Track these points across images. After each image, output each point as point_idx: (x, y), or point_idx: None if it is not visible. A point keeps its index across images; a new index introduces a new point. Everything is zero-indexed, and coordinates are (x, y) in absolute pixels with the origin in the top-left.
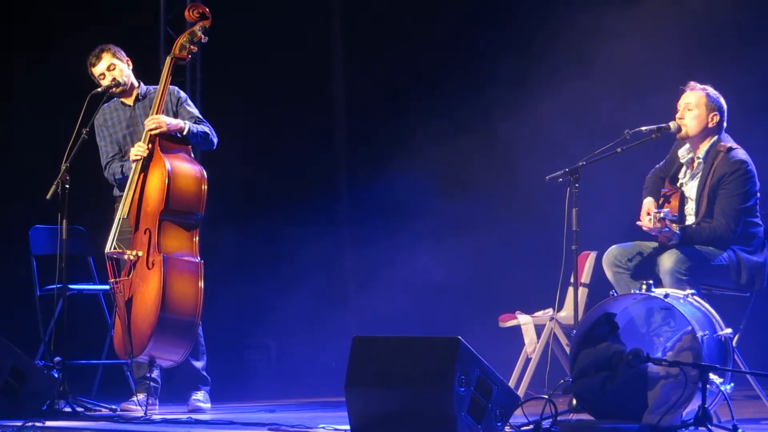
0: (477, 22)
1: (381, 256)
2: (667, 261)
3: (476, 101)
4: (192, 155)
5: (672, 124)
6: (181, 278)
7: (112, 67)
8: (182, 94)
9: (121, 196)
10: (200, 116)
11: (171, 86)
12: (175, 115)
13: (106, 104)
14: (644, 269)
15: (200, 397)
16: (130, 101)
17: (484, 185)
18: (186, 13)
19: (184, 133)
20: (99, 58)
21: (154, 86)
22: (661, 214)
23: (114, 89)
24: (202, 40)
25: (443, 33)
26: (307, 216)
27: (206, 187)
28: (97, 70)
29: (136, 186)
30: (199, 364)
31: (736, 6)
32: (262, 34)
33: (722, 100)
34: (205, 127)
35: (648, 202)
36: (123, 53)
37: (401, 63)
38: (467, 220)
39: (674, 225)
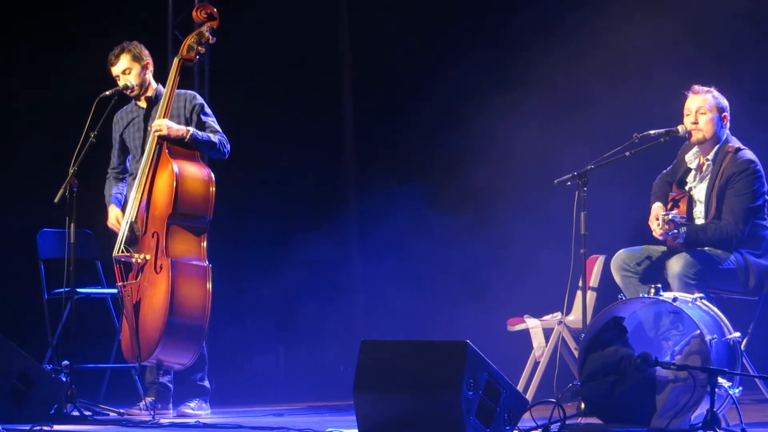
0: (479, 27)
1: (389, 259)
2: (675, 265)
3: (481, 107)
4: (201, 159)
5: (680, 128)
6: (189, 282)
7: (128, 72)
8: (199, 100)
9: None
10: (216, 125)
11: (190, 92)
12: (188, 120)
13: (124, 108)
14: (652, 273)
15: (192, 405)
16: (143, 104)
17: (491, 189)
18: (194, 13)
19: (186, 139)
20: (117, 58)
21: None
22: (670, 216)
23: (129, 92)
24: (210, 41)
25: (450, 43)
26: (315, 220)
27: (214, 189)
28: (114, 70)
29: (144, 189)
30: (196, 375)
31: (738, 9)
32: (272, 39)
33: (725, 100)
34: (214, 136)
35: (656, 207)
36: (145, 53)
37: (410, 72)
38: (475, 225)
39: (683, 228)
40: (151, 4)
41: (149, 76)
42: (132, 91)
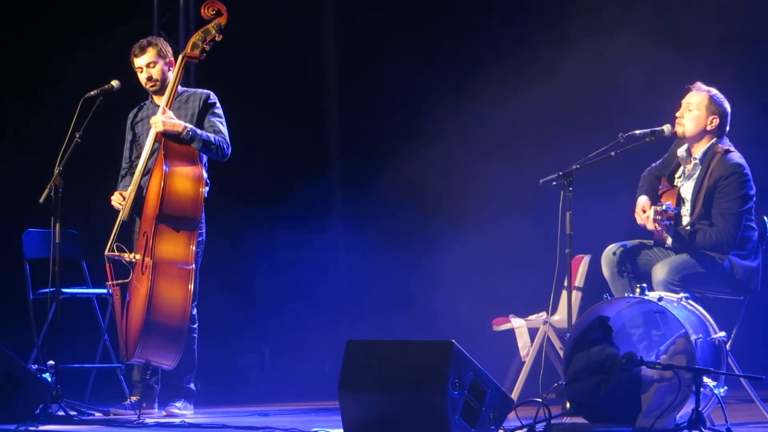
0: (474, 27)
1: (374, 259)
2: (660, 272)
3: (469, 108)
4: (198, 159)
5: (666, 128)
6: (169, 284)
7: (152, 65)
8: (213, 99)
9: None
10: (220, 125)
11: (206, 91)
12: (201, 120)
13: (139, 105)
14: (640, 270)
15: (179, 404)
16: (160, 100)
17: (478, 190)
18: (202, 10)
19: (182, 135)
20: (144, 51)
21: (187, 89)
22: (663, 207)
23: (150, 85)
24: (217, 39)
25: (438, 41)
26: (301, 220)
27: (204, 190)
28: (137, 62)
29: (139, 187)
30: (185, 378)
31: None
32: (256, 39)
33: (726, 105)
34: (213, 136)
35: (642, 200)
36: (170, 51)
37: (396, 73)
38: (460, 225)
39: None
40: (137, 4)
41: (170, 73)
42: (153, 85)
